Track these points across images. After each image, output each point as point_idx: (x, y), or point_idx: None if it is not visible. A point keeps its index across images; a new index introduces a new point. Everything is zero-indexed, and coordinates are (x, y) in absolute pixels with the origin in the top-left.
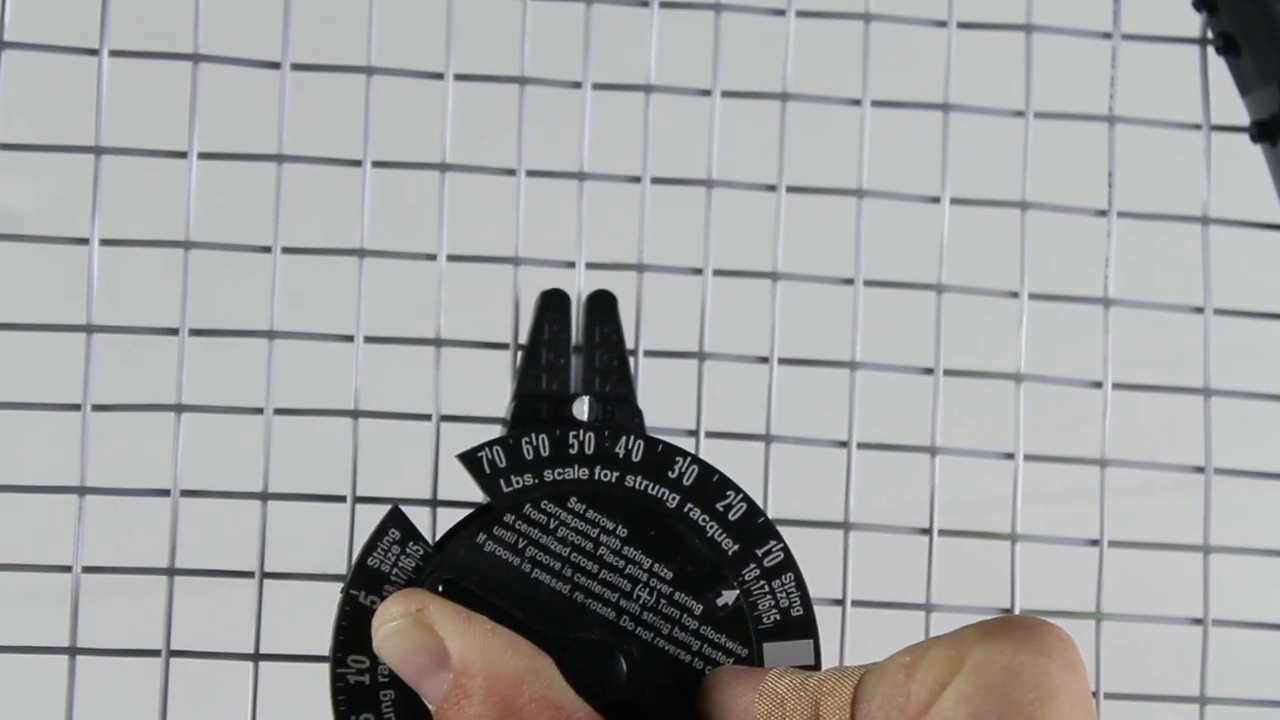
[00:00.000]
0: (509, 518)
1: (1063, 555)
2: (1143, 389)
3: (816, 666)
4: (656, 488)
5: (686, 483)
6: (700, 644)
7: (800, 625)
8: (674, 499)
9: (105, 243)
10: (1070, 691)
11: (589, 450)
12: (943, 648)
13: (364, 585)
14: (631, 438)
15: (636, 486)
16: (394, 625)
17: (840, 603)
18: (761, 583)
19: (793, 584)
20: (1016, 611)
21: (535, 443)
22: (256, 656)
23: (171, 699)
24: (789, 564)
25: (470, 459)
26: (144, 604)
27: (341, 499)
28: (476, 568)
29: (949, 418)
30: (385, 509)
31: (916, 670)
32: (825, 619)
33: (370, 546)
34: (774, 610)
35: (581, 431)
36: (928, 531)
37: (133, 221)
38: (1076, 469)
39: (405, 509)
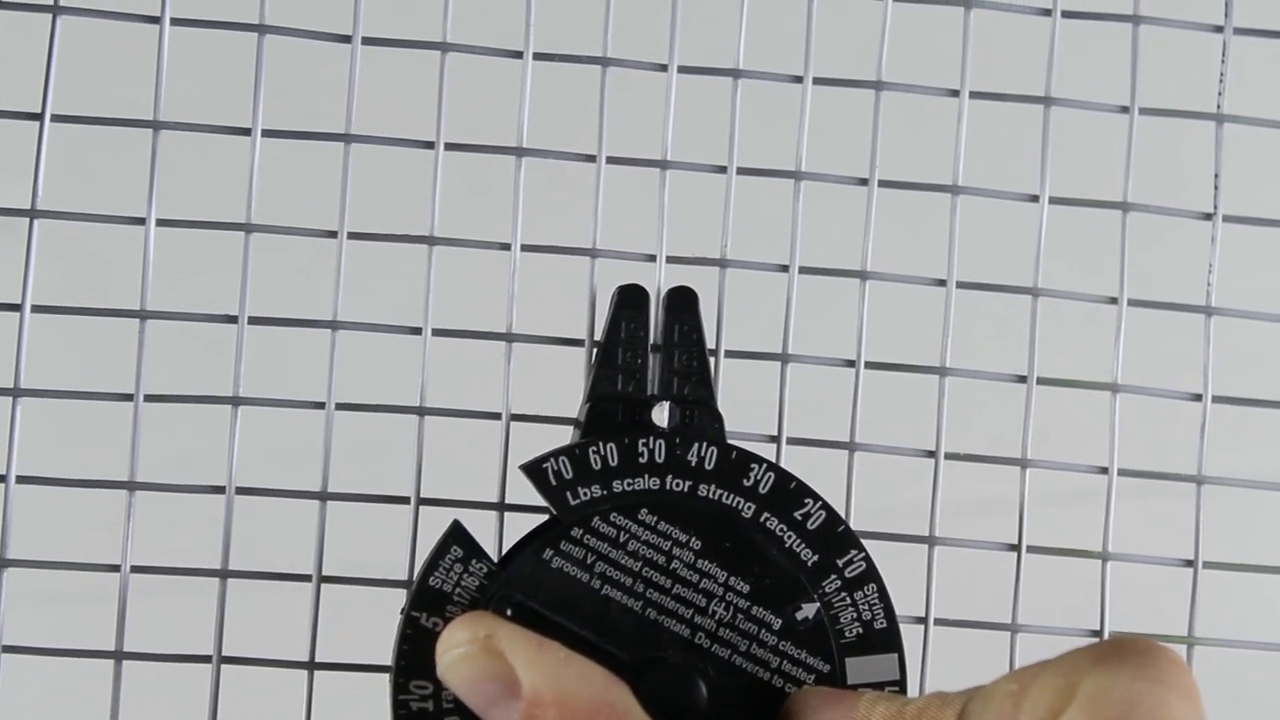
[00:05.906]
0: (577, 532)
1: (1147, 568)
2: (1244, 403)
3: (902, 681)
4: (731, 497)
5: (763, 490)
6: (780, 660)
7: (884, 638)
8: (749, 508)
9: (162, 223)
10: None
11: (659, 459)
12: (1053, 675)
13: (426, 607)
14: (704, 444)
15: (710, 496)
16: (461, 652)
17: (923, 620)
18: (843, 594)
19: (875, 595)
20: (1105, 634)
21: (603, 452)
22: (312, 665)
23: (222, 707)
24: (871, 574)
25: (535, 470)
26: (195, 607)
27: (405, 500)
28: (543, 586)
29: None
30: (449, 512)
31: (1025, 699)
32: (907, 636)
33: (431, 565)
34: (856, 623)
35: (651, 439)
36: (1015, 548)
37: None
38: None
39: (469, 516)
